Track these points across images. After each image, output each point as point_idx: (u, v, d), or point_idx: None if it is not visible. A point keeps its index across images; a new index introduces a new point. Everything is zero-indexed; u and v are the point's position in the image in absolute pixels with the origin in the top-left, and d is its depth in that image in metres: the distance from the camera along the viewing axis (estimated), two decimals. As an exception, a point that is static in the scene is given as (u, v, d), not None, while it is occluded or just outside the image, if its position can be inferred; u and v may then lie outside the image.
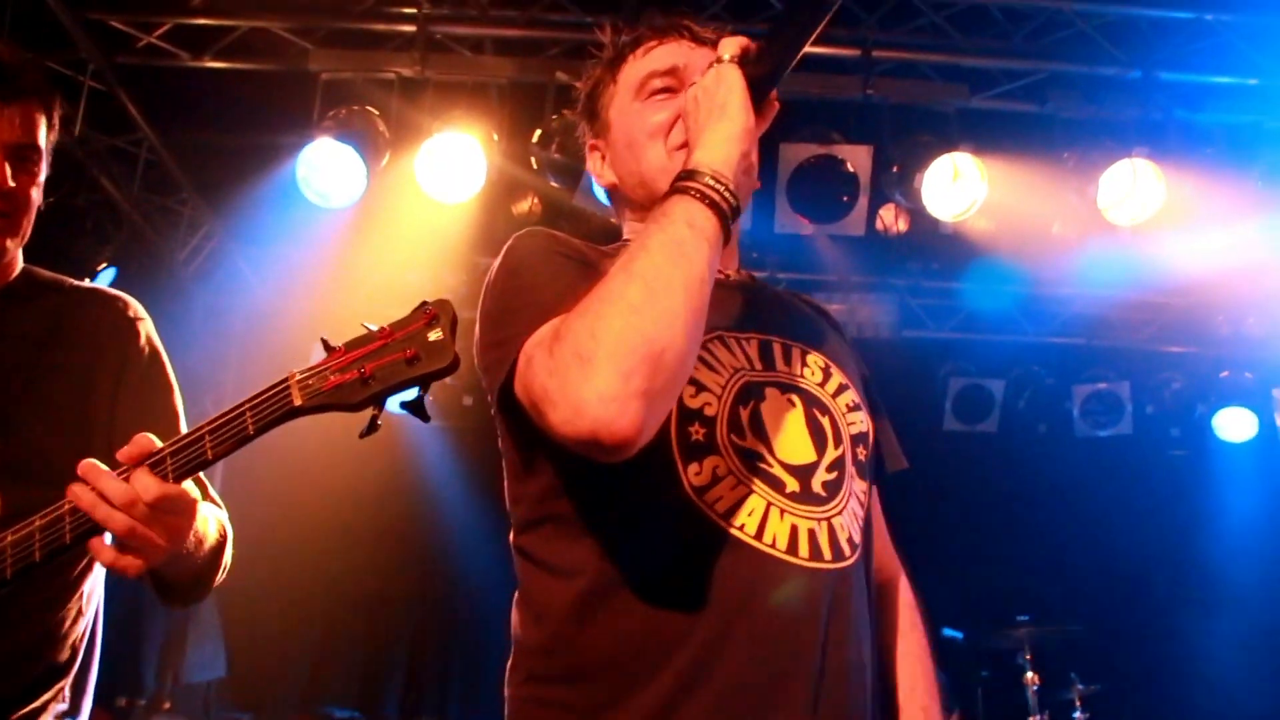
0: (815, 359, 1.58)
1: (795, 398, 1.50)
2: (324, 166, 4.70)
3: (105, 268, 5.14)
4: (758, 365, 1.50)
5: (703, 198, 1.33)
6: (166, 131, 5.43)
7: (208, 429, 1.45)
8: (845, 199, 4.54)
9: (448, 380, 6.62)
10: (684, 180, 1.36)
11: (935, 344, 6.43)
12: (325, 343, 1.49)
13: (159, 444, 1.47)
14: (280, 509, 6.34)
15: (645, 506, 1.38)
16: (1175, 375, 6.63)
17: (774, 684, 1.32)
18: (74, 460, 1.47)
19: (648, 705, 1.31)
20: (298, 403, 1.45)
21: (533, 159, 4.75)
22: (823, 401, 1.53)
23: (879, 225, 5.35)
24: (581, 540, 1.40)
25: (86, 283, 2.03)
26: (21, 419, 1.78)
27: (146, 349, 1.93)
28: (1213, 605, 6.55)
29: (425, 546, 6.90)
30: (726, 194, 1.34)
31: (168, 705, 5.59)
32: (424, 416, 1.49)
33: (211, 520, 1.76)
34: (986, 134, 4.92)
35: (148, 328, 1.96)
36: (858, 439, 1.55)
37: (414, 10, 4.88)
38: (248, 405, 1.45)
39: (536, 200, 5.59)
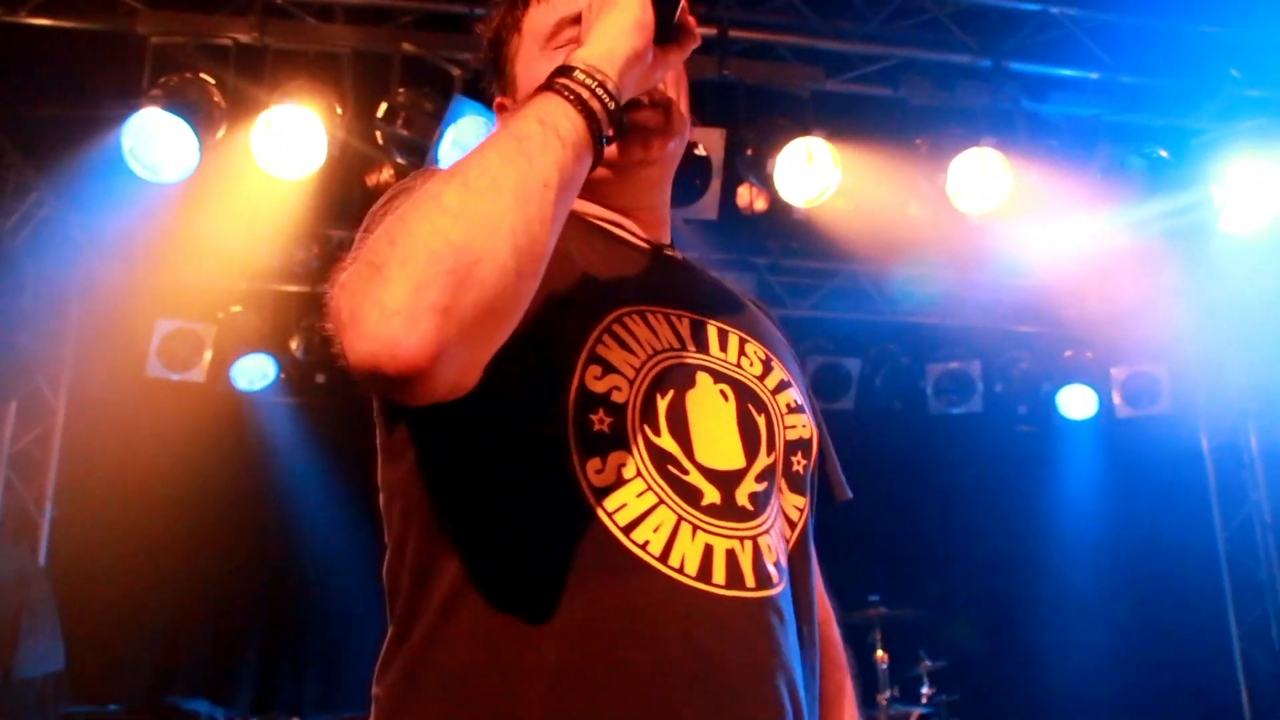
0: (755, 349, 1.35)
1: (728, 389, 1.27)
2: (153, 138, 4.43)
3: (-88, 239, 4.76)
4: (690, 346, 1.28)
5: (566, 93, 1.10)
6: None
7: None
8: (698, 182, 4.50)
9: (299, 356, 6.45)
10: (552, 76, 1.12)
11: (794, 322, 6.46)
12: None
13: None
14: (121, 489, 6.05)
15: (528, 507, 1.16)
16: (1023, 355, 6.83)
17: None
18: None
19: None
20: None
21: (378, 134, 4.57)
22: (760, 397, 1.30)
23: (740, 202, 5.34)
24: (448, 542, 1.18)
25: None
26: None
27: None
28: (1054, 577, 6.82)
29: (278, 529, 6.66)
30: (600, 92, 1.11)
31: (-6, 704, 5.29)
32: None
33: None
34: (841, 118, 4.94)
35: None
36: (794, 445, 1.32)
37: (253, -29, 4.64)
38: None
39: (391, 172, 5.40)
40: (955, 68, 5.00)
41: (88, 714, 5.71)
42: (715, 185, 4.58)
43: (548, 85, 1.12)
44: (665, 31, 1.20)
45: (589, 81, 1.11)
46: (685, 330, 1.30)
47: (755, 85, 4.87)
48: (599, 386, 1.19)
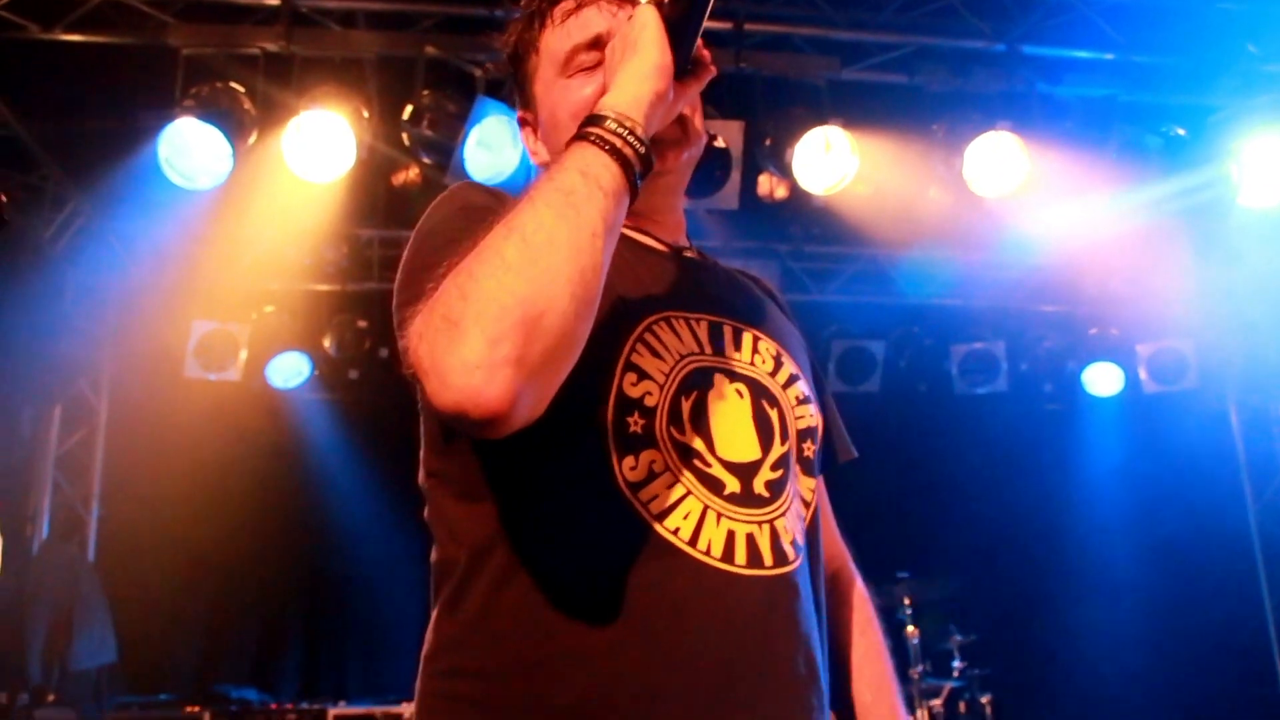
0: (767, 345, 1.47)
1: (743, 388, 1.40)
2: (188, 147, 4.56)
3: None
4: (707, 350, 1.40)
5: (602, 144, 1.20)
6: (19, 106, 5.19)
7: None
8: (718, 173, 4.58)
9: (332, 353, 6.58)
10: (585, 126, 1.22)
11: (817, 307, 6.53)
12: None
13: None
14: (164, 486, 6.22)
15: (572, 498, 1.29)
16: (1047, 334, 6.86)
17: (707, 699, 1.23)
18: None
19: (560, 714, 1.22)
20: None
21: (404, 136, 4.68)
22: (772, 393, 1.43)
23: (761, 190, 5.41)
24: (500, 526, 1.30)
25: None
26: None
27: None
28: (1084, 554, 6.85)
29: (316, 521, 6.82)
30: (631, 140, 1.21)
31: (52, 697, 5.46)
32: None
33: None
34: (857, 106, 4.99)
35: None
36: (805, 434, 1.46)
37: (278, -19, 4.74)
38: None
39: (417, 171, 5.51)
40: (970, 53, 5.04)
41: (140, 704, 5.89)
42: (735, 176, 4.66)
43: (582, 136, 1.22)
44: (683, 68, 1.30)
45: (620, 130, 1.21)
46: (704, 334, 1.42)
47: (772, 77, 4.93)
48: (634, 392, 1.32)
